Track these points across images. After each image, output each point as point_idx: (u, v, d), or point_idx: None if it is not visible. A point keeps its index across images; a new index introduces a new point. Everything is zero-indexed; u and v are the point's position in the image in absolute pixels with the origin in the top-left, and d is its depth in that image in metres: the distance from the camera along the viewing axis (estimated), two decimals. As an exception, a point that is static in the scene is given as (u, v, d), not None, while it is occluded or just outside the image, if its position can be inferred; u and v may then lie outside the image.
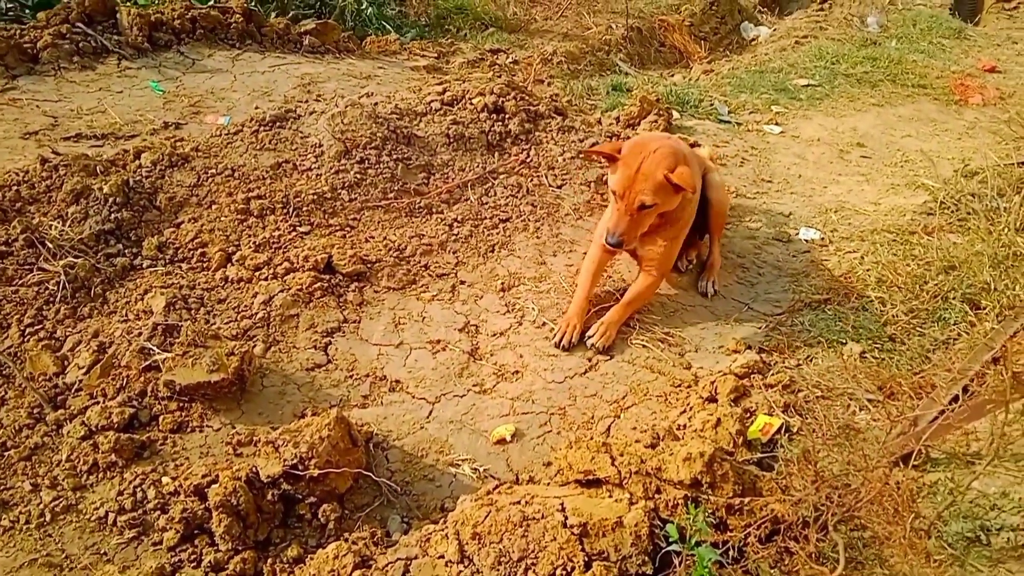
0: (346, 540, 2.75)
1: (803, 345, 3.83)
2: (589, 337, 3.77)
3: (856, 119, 7.31)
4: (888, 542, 2.58)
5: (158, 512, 2.79)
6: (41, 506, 2.76)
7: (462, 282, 4.09)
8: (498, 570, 2.47)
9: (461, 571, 2.51)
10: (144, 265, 3.75)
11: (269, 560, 2.70)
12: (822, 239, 4.91)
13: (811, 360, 3.69)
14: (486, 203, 4.70)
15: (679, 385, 3.53)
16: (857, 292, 4.15)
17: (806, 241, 4.90)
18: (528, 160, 5.09)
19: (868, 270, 4.35)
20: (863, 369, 3.57)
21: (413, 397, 3.43)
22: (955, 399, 3.07)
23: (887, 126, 7.20)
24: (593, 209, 4.83)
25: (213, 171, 4.24)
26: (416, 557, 2.62)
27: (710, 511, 2.66)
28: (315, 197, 4.27)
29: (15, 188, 3.79)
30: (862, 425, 3.21)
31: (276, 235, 4.02)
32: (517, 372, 3.58)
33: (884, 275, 4.24)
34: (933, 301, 3.94)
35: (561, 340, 3.76)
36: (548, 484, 3.01)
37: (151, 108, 5.15)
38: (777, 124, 7.01)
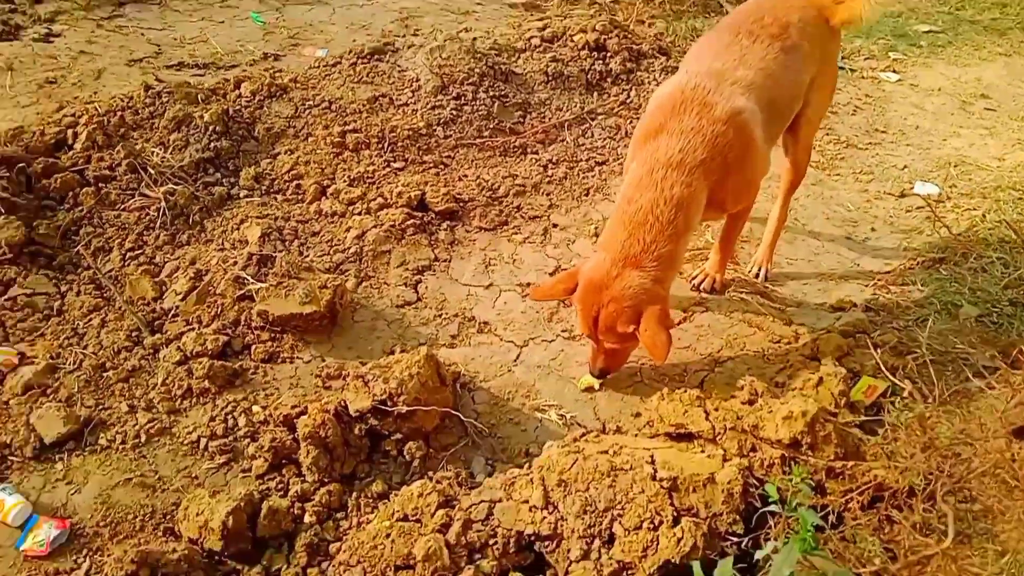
0: (430, 479, 2.73)
1: (914, 306, 3.61)
2: (693, 279, 3.66)
3: (981, 69, 6.82)
4: (1002, 517, 2.42)
5: (248, 440, 2.83)
6: (137, 427, 2.83)
7: (555, 225, 3.99)
8: (583, 519, 2.42)
9: (545, 517, 2.46)
10: (241, 195, 3.78)
11: (354, 494, 2.71)
12: (940, 194, 4.61)
13: (922, 322, 3.46)
14: (582, 144, 4.56)
15: (778, 341, 3.38)
16: (977, 252, 3.87)
17: (922, 196, 4.60)
18: (628, 101, 4.92)
19: (991, 229, 4.06)
20: (980, 333, 3.34)
21: (501, 340, 3.38)
22: (1082, 371, 2.85)
23: (1015, 77, 6.69)
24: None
25: (310, 103, 4.23)
26: (500, 500, 2.58)
27: (808, 473, 2.54)
28: (410, 133, 4.21)
29: (119, 114, 3.84)
30: (976, 392, 3.00)
31: (370, 170, 3.99)
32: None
33: (1007, 235, 3.95)
34: (1062, 266, 3.66)
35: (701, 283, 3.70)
36: (636, 435, 2.92)
37: (251, 39, 5.16)
38: (895, 72, 6.59)
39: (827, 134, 5.24)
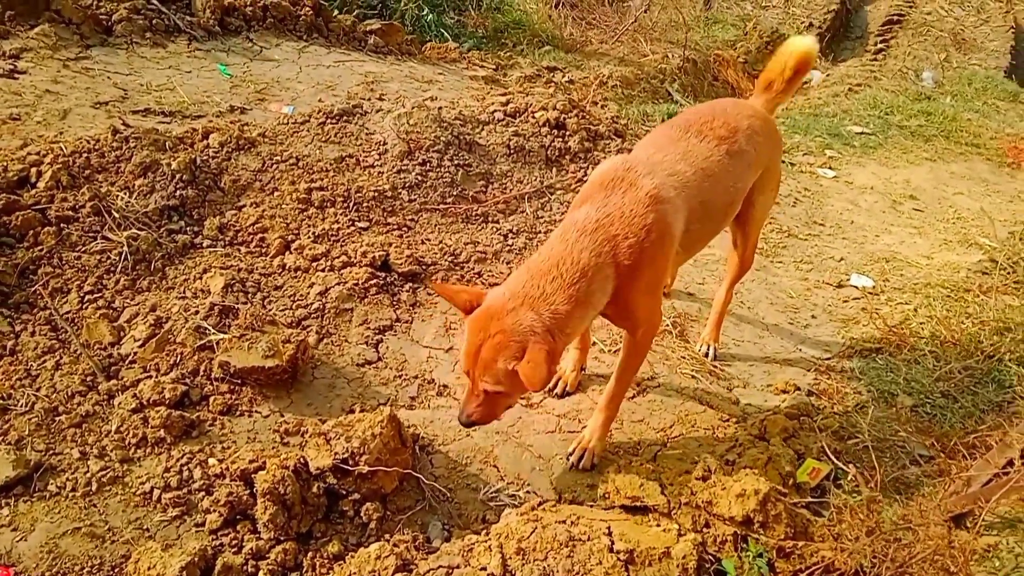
0: (387, 542, 2.71)
1: (852, 393, 3.78)
2: (570, 454, 3.20)
3: (909, 171, 7.27)
4: (941, 603, 2.53)
5: (203, 493, 2.78)
6: (88, 475, 2.75)
7: (514, 294, 4.06)
8: (541, 588, 2.44)
9: (503, 585, 2.48)
10: (204, 244, 3.76)
11: (310, 554, 2.67)
12: (874, 287, 4.87)
13: (861, 408, 3.63)
14: (541, 217, 4.69)
15: (727, 419, 3.49)
16: (910, 344, 4.09)
17: (857, 288, 4.86)
18: (585, 178, 5.07)
19: (922, 323, 4.30)
20: (915, 422, 3.52)
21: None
22: (1010, 463, 3.02)
23: (939, 181, 7.15)
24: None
25: (278, 158, 4.26)
26: (458, 567, 2.59)
27: (759, 551, 2.62)
28: (376, 194, 4.27)
29: (85, 155, 3.81)
30: (913, 479, 3.16)
31: (335, 228, 4.02)
32: (567, 391, 3.55)
33: (938, 330, 4.19)
34: (988, 362, 3.89)
35: (554, 387, 3.57)
36: (592, 506, 2.97)
37: (218, 90, 5.19)
38: (831, 168, 6.98)
39: (770, 223, 5.50)
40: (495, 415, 2.84)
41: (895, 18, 13.81)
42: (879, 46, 13.04)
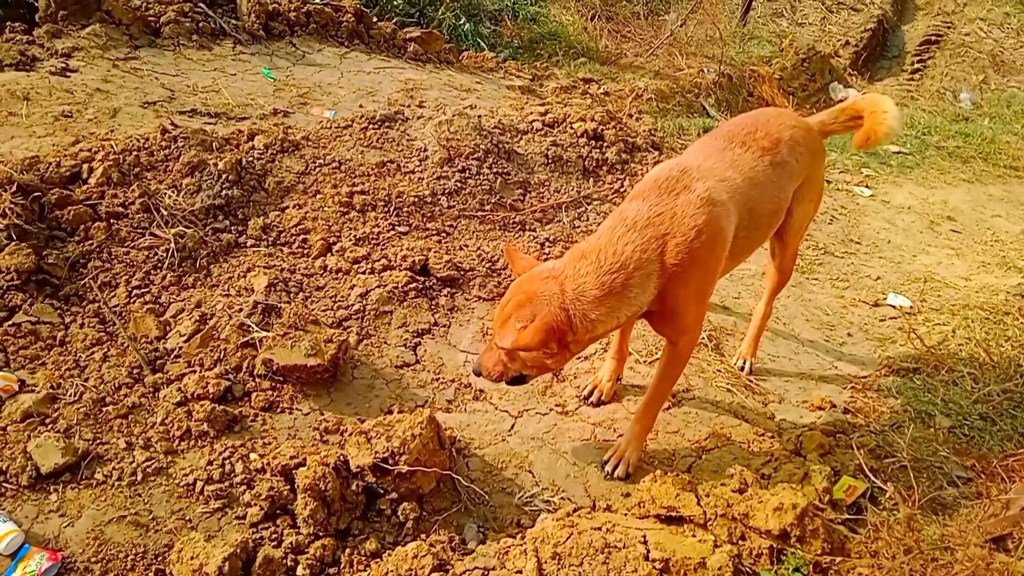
0: (424, 541, 2.74)
1: (889, 412, 3.76)
2: (605, 463, 3.21)
3: (946, 192, 7.21)
4: (978, 624, 2.52)
5: (244, 487, 2.83)
6: (134, 465, 2.81)
7: (550, 302, 4.08)
8: (577, 594, 2.45)
9: (538, 589, 2.49)
10: (248, 244, 3.83)
11: (347, 550, 2.71)
12: (911, 307, 4.84)
13: (898, 428, 3.61)
14: (578, 226, 4.72)
15: (763, 434, 3.49)
16: (948, 366, 4.06)
17: (894, 307, 4.83)
18: (622, 189, 5.10)
19: (960, 345, 4.26)
20: (952, 443, 3.49)
21: (496, 408, 3.44)
22: (1050, 488, 3.00)
23: (977, 203, 7.08)
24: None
25: (321, 161, 4.33)
26: (494, 568, 2.61)
27: (796, 566, 2.62)
28: (416, 199, 4.32)
29: (135, 153, 3.90)
30: (951, 500, 3.13)
31: (376, 231, 4.07)
32: (602, 400, 3.56)
33: (976, 352, 4.15)
34: (1028, 386, 3.85)
35: (590, 396, 3.58)
36: (627, 515, 2.97)
37: (262, 93, 5.27)
38: (867, 187, 6.94)
39: (807, 240, 5.48)
40: (502, 375, 2.87)
41: (933, 38, 13.70)
42: (916, 66, 12.94)
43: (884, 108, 3.47)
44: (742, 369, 3.94)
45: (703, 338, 4.07)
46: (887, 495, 3.02)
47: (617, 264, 2.68)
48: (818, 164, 3.60)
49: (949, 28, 14.17)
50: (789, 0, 13.99)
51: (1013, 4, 14.69)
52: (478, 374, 2.92)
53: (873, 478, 3.11)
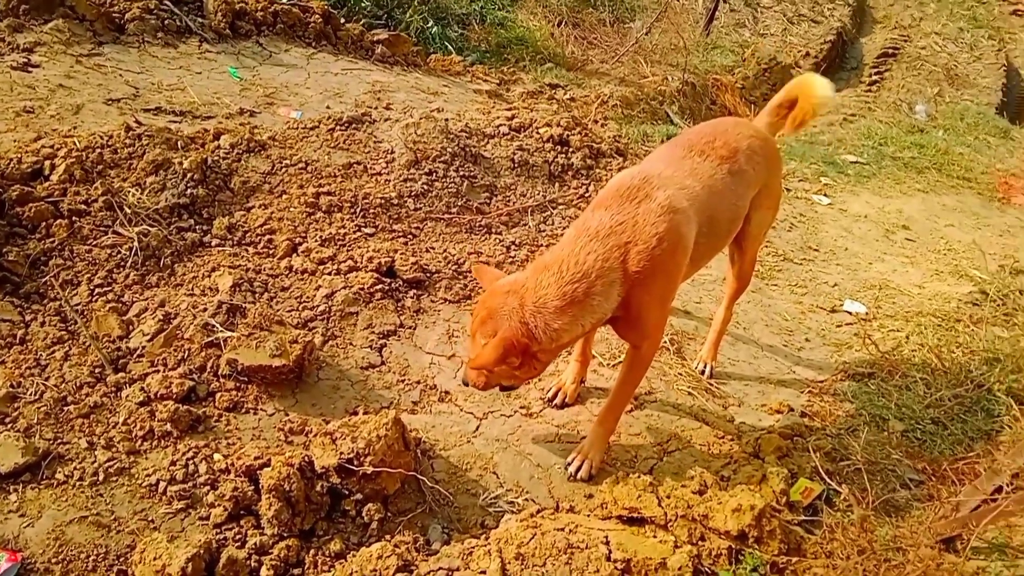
0: (389, 542, 2.75)
1: (844, 416, 3.85)
2: (569, 464, 3.24)
3: (901, 202, 7.38)
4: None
5: (208, 487, 2.81)
6: (95, 465, 2.79)
7: (515, 305, 4.12)
8: (540, 593, 2.49)
9: (502, 589, 2.53)
10: (213, 243, 3.81)
11: (312, 551, 2.71)
12: (867, 313, 4.95)
13: (853, 431, 3.70)
14: (543, 230, 4.76)
15: (722, 437, 3.55)
16: (902, 371, 4.17)
17: (850, 313, 4.94)
18: (587, 194, 5.16)
19: (913, 351, 4.38)
20: (905, 446, 3.59)
21: (461, 410, 3.46)
22: (999, 490, 3.09)
23: (931, 213, 7.27)
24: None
25: (287, 162, 4.32)
26: (458, 569, 2.63)
27: (754, 566, 2.68)
28: (382, 201, 4.33)
29: (99, 150, 3.86)
30: (903, 502, 3.22)
31: (342, 233, 4.08)
32: (566, 402, 3.60)
33: (929, 358, 4.27)
34: (977, 391, 3.97)
35: (554, 398, 3.63)
36: (589, 516, 3.02)
37: (228, 92, 5.24)
38: (826, 195, 7.09)
39: (767, 247, 5.58)
40: (486, 385, 2.97)
41: (890, 51, 14.01)
42: (874, 78, 13.22)
43: (811, 82, 3.60)
44: (703, 373, 4.01)
45: (665, 342, 4.13)
46: (842, 497, 3.11)
47: (579, 274, 2.73)
48: (775, 172, 3.68)
49: (906, 42, 14.51)
50: (751, 11, 14.21)
51: (967, 20, 15.11)
52: (466, 384, 3.01)
53: (829, 480, 3.19)
